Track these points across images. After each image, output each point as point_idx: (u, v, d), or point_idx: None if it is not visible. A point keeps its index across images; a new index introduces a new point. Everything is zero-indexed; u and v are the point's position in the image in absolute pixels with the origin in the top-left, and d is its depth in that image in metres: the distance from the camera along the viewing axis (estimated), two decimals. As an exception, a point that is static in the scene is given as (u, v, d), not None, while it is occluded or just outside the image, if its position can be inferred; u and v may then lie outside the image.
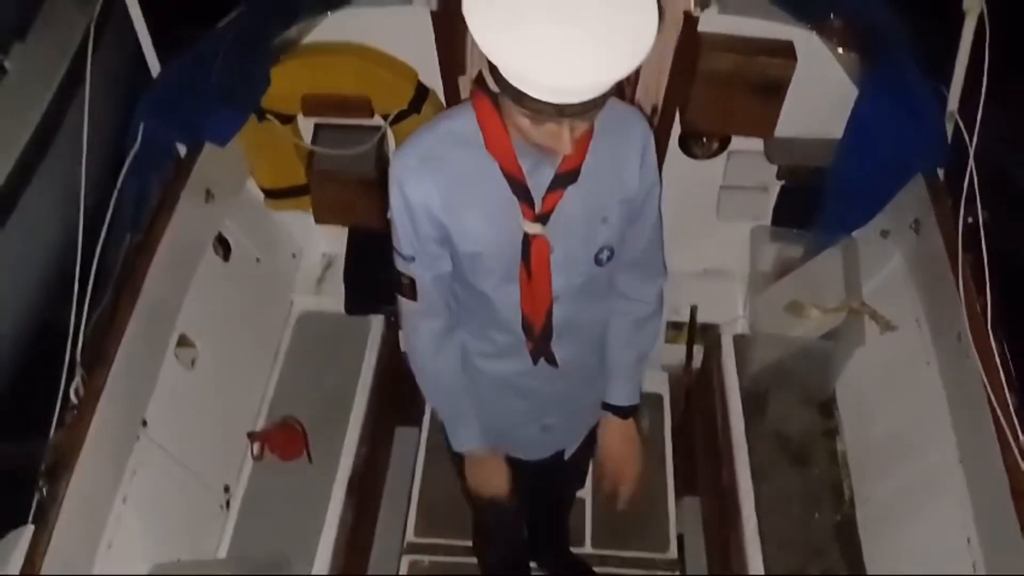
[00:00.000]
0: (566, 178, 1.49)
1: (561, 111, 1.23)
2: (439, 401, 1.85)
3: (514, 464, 2.00)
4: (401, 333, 1.80)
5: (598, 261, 1.61)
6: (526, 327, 1.67)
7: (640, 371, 1.90)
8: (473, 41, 1.21)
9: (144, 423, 2.23)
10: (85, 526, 1.98)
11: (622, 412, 1.90)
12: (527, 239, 1.53)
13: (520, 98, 1.23)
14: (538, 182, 1.49)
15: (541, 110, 1.24)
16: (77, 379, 2.01)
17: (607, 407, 1.90)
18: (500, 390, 1.83)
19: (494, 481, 1.94)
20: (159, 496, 2.22)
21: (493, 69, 1.25)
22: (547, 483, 2.26)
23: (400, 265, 1.60)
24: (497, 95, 1.36)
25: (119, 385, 2.06)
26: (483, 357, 1.77)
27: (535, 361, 1.74)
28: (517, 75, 1.20)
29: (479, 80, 1.45)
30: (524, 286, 1.59)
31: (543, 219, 1.51)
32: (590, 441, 2.06)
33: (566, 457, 2.08)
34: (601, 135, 1.46)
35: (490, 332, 1.72)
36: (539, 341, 1.69)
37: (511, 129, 1.41)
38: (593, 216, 1.56)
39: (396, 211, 1.52)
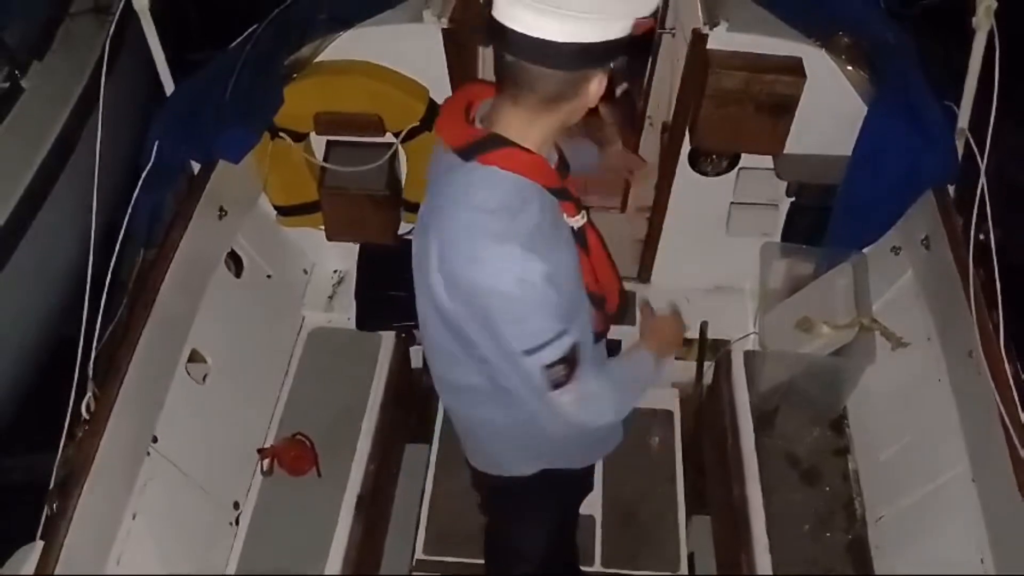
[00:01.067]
0: (562, 162, 1.61)
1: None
2: (631, 395, 1.76)
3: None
4: (574, 412, 1.62)
5: None
6: (599, 303, 1.69)
7: None
8: (485, 59, 1.26)
9: (155, 439, 2.24)
10: (95, 542, 1.99)
11: None
12: (580, 231, 1.60)
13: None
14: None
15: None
16: (89, 394, 2.03)
17: None
18: None
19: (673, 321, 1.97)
20: (169, 512, 2.22)
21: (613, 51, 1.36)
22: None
23: (564, 347, 1.50)
24: (514, 143, 1.46)
25: (130, 400, 2.07)
26: None
27: (601, 337, 1.78)
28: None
29: (483, 144, 1.47)
30: (589, 270, 1.63)
31: (581, 205, 1.60)
32: None
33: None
34: None
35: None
36: (620, 307, 1.77)
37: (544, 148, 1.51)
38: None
39: (532, 302, 1.45)
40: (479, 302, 1.46)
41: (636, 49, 1.36)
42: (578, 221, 1.59)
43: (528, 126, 1.46)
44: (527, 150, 1.47)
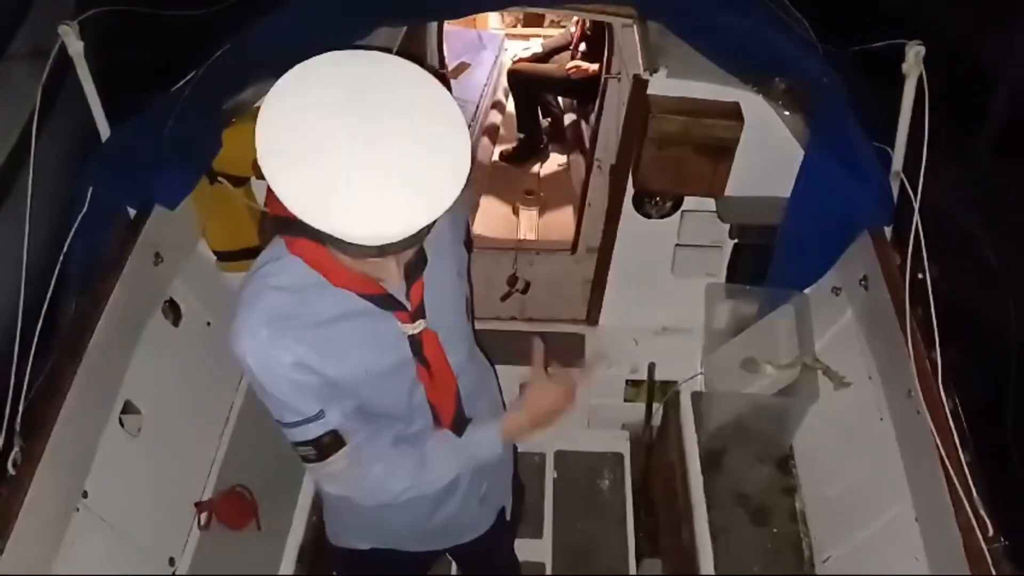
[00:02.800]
0: (418, 265, 1.44)
1: (382, 251, 1.19)
2: (441, 470, 1.64)
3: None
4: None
5: (467, 316, 1.64)
6: (436, 418, 1.62)
7: None
8: None
9: (85, 494, 2.15)
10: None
11: None
12: (415, 340, 1.49)
13: (337, 243, 1.18)
14: (396, 285, 1.43)
15: (361, 252, 1.20)
16: (16, 449, 1.95)
17: None
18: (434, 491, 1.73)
19: (563, 395, 1.68)
20: (99, 570, 2.13)
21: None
22: (495, 552, 2.22)
23: (310, 432, 1.45)
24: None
25: (58, 454, 1.99)
26: None
27: None
28: (334, 229, 1.15)
29: (283, 225, 1.35)
30: (427, 382, 1.55)
31: (419, 313, 1.48)
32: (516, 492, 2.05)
33: (508, 517, 2.03)
34: None
35: (404, 439, 1.63)
36: (454, 427, 1.64)
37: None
38: (451, 277, 1.56)
39: (274, 387, 1.41)
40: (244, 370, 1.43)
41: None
42: (411, 328, 1.47)
43: None
44: (334, 258, 1.34)
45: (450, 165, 1.16)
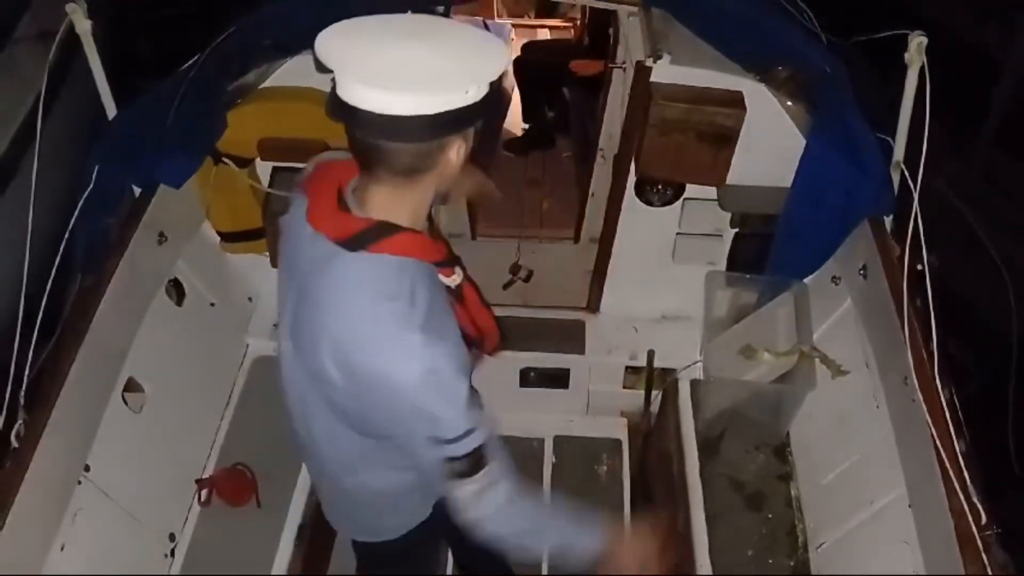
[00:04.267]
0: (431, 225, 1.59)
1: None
2: (558, 534, 1.67)
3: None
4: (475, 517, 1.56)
5: None
6: (478, 344, 1.71)
7: None
8: None
9: (87, 468, 2.18)
10: (19, 573, 1.92)
11: None
12: (459, 288, 1.59)
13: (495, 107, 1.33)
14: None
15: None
16: (20, 422, 1.97)
17: None
18: None
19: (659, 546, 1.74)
20: (100, 543, 2.16)
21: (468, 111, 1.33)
22: None
23: (461, 448, 1.45)
24: (388, 226, 1.44)
25: (61, 428, 2.02)
26: None
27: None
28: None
29: (379, 232, 1.43)
30: (465, 320, 1.63)
31: (453, 261, 1.58)
32: None
33: None
34: None
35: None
36: (499, 343, 1.78)
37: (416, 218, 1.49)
38: None
39: (444, 384, 1.41)
40: (384, 392, 1.41)
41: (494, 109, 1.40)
42: (455, 280, 1.57)
43: (397, 202, 1.43)
44: (412, 230, 1.45)
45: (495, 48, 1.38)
